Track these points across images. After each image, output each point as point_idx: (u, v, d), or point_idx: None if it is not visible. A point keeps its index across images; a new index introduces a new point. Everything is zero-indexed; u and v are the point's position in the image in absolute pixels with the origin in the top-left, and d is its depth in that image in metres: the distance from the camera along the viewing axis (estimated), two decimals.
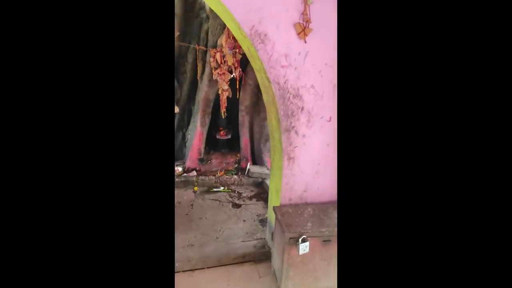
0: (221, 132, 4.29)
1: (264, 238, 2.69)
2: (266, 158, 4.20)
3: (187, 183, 3.79)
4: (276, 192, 2.31)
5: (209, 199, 3.50)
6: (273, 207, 2.18)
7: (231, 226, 2.93)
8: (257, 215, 3.15)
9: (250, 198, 3.56)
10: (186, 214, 3.14)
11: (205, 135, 4.16)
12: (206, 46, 3.98)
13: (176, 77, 4.32)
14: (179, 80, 4.34)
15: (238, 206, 3.35)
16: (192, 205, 3.36)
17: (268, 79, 1.99)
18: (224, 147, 4.38)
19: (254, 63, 2.14)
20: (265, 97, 2.26)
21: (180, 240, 2.64)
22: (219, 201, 3.46)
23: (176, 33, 3.34)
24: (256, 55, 1.94)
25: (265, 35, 1.88)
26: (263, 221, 3.01)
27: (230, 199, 3.53)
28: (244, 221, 3.04)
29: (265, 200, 3.33)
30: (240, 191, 3.73)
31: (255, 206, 3.36)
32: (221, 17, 2.08)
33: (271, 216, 2.41)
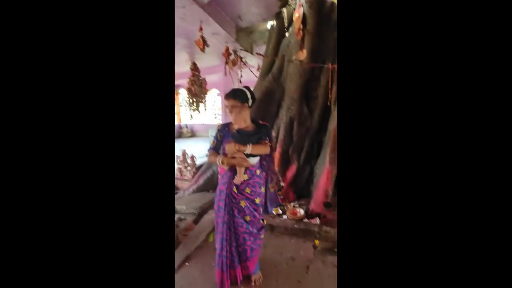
0: None
1: None
2: None
3: (307, 233, 3.07)
4: None
5: (332, 263, 2.62)
6: None
7: None
8: None
9: None
10: (299, 282, 2.41)
11: (334, 174, 3.33)
12: None
13: (306, 103, 3.77)
14: (309, 106, 3.76)
15: None
16: (308, 267, 2.59)
17: None
18: None
19: None
20: None
21: None
22: None
23: (304, 54, 2.78)
24: None
25: None
26: None
27: None
28: None
29: None
30: None
31: None
32: None
33: None
